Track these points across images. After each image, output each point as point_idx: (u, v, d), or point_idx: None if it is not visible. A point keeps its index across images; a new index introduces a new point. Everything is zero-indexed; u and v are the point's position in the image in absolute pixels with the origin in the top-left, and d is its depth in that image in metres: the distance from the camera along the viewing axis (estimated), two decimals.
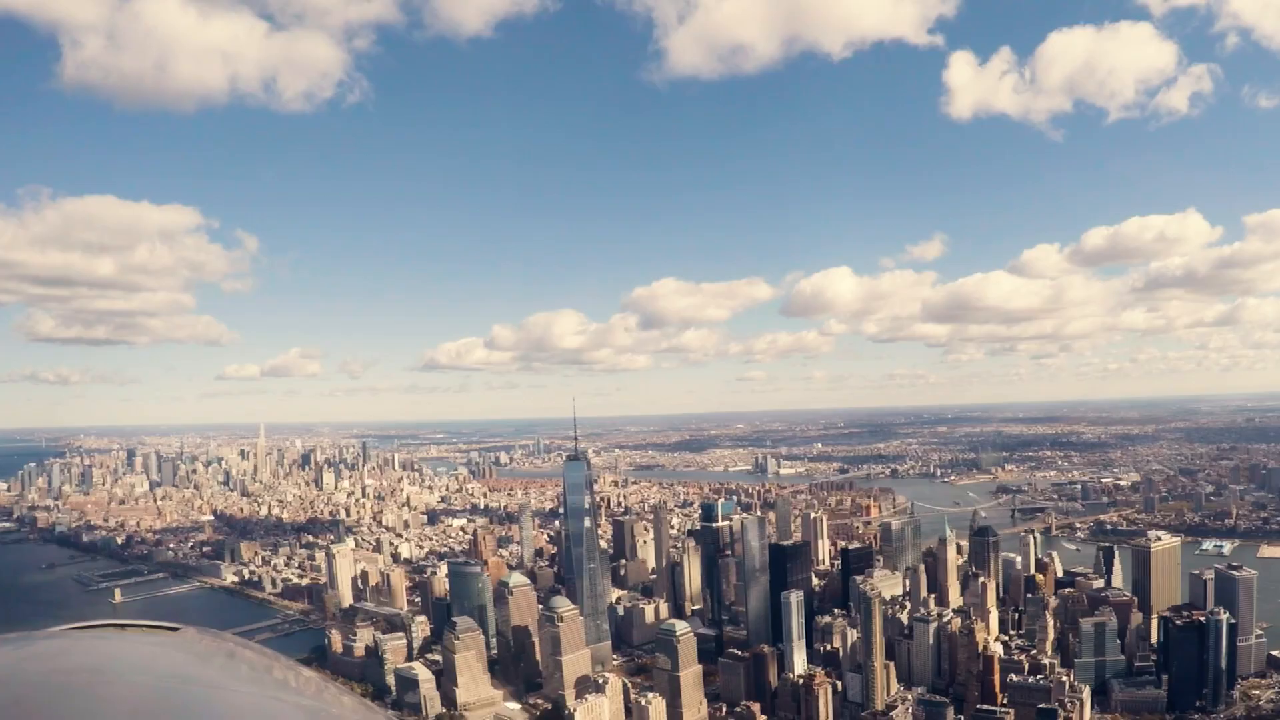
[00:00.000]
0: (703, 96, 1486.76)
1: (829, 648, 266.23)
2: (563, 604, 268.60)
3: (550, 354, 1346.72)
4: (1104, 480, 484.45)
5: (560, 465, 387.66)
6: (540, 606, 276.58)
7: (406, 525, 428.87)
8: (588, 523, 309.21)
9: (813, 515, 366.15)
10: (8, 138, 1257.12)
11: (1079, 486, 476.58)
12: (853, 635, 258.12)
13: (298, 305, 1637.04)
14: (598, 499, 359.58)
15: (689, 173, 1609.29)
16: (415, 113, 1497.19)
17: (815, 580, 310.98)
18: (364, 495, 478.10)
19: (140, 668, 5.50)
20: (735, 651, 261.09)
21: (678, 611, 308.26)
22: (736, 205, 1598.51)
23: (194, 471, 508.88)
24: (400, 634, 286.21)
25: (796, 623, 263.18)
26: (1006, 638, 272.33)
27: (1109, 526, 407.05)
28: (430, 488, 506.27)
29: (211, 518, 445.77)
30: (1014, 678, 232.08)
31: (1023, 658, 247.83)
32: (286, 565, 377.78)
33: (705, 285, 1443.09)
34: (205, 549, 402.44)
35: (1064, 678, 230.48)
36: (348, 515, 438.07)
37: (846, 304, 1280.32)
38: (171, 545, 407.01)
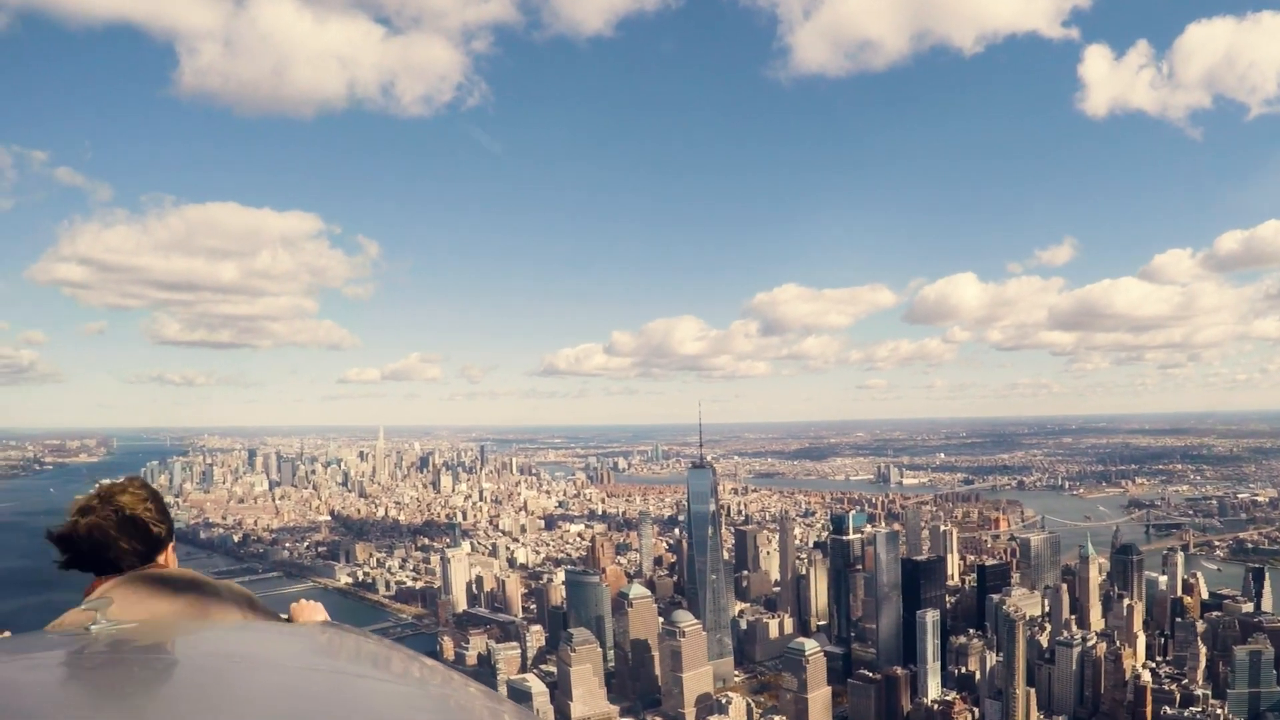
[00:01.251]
0: (829, 95, 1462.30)
1: (963, 671, 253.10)
2: (685, 618, 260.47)
3: (670, 360, 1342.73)
4: (1240, 496, 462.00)
5: (679, 471, 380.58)
6: (661, 619, 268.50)
7: (523, 530, 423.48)
8: (711, 532, 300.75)
9: (942, 528, 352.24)
10: (129, 146, 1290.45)
11: (1214, 502, 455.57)
12: (991, 658, 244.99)
13: (418, 310, 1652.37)
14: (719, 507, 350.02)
15: (813, 175, 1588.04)
16: (535, 115, 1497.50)
17: (947, 597, 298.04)
18: (481, 499, 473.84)
19: (282, 658, 5.76)
20: (865, 673, 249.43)
21: (803, 627, 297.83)
22: (862, 208, 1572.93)
23: (313, 472, 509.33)
24: (514, 643, 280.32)
25: (932, 644, 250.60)
26: (1154, 664, 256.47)
27: (1250, 545, 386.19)
28: (548, 492, 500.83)
29: (328, 518, 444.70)
30: (1167, 710, 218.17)
31: (1174, 688, 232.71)
32: (401, 568, 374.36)
33: (827, 291, 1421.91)
34: (321, 549, 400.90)
35: (1218, 710, 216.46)
36: (464, 518, 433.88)
37: (970, 311, 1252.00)
38: (288, 545, 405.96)
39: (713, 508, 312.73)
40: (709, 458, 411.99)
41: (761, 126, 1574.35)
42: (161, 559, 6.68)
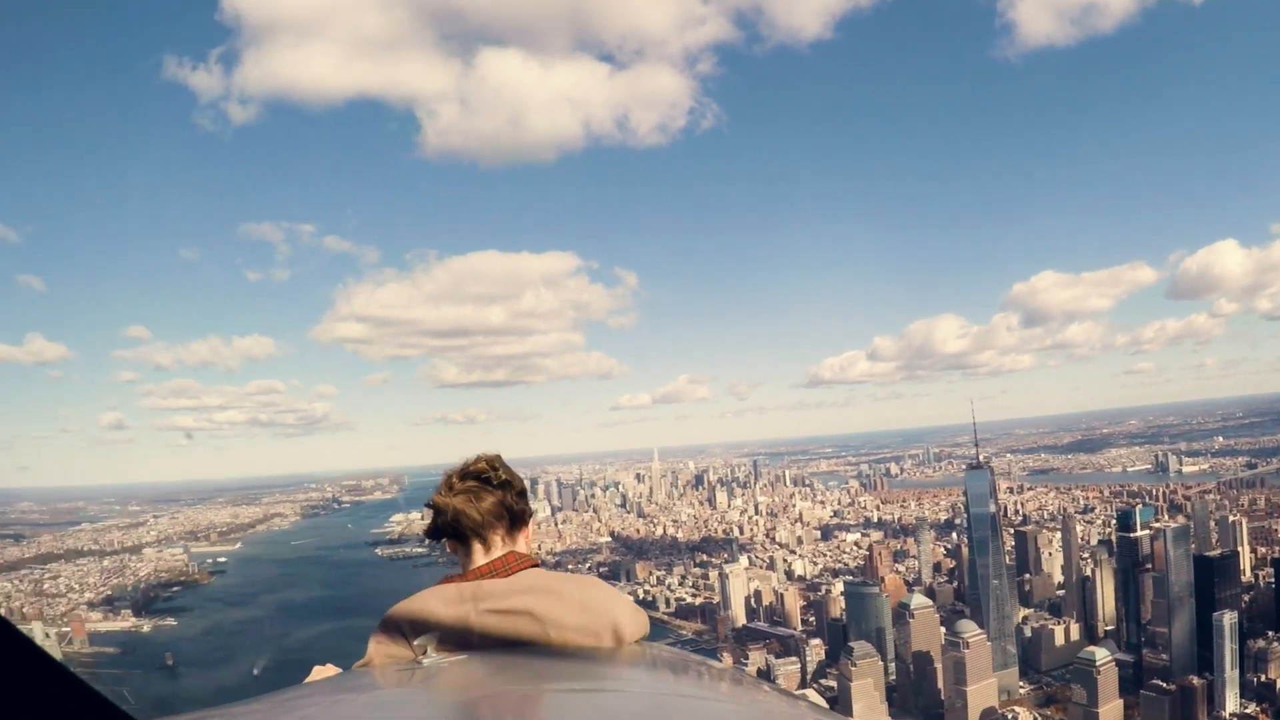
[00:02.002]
0: (1060, 66, 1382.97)
1: (1262, 679, 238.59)
2: (968, 627, 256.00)
3: (933, 361, 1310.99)
4: None
5: (951, 473, 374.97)
6: (943, 629, 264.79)
7: (799, 542, 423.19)
8: (992, 534, 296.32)
9: (1230, 519, 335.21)
10: (388, 209, 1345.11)
11: None
12: None
13: (682, 334, 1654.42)
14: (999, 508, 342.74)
15: (1055, 151, 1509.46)
16: (769, 127, 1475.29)
17: (1241, 596, 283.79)
18: (756, 512, 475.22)
19: (619, 682, 5.49)
20: (1159, 683, 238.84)
21: (1089, 633, 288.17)
22: (1110, 182, 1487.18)
23: (592, 496, 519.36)
24: (793, 657, 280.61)
25: (1229, 649, 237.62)
26: None
27: None
28: (822, 502, 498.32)
29: (609, 539, 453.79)
30: None
31: None
32: (680, 585, 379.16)
33: (1085, 275, 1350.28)
34: (603, 569, 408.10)
35: None
36: (740, 533, 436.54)
37: (1235, 280, 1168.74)
38: (570, 566, 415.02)
39: (992, 509, 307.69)
40: (982, 457, 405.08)
41: (996, 109, 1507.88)
42: (498, 537, 6.09)
